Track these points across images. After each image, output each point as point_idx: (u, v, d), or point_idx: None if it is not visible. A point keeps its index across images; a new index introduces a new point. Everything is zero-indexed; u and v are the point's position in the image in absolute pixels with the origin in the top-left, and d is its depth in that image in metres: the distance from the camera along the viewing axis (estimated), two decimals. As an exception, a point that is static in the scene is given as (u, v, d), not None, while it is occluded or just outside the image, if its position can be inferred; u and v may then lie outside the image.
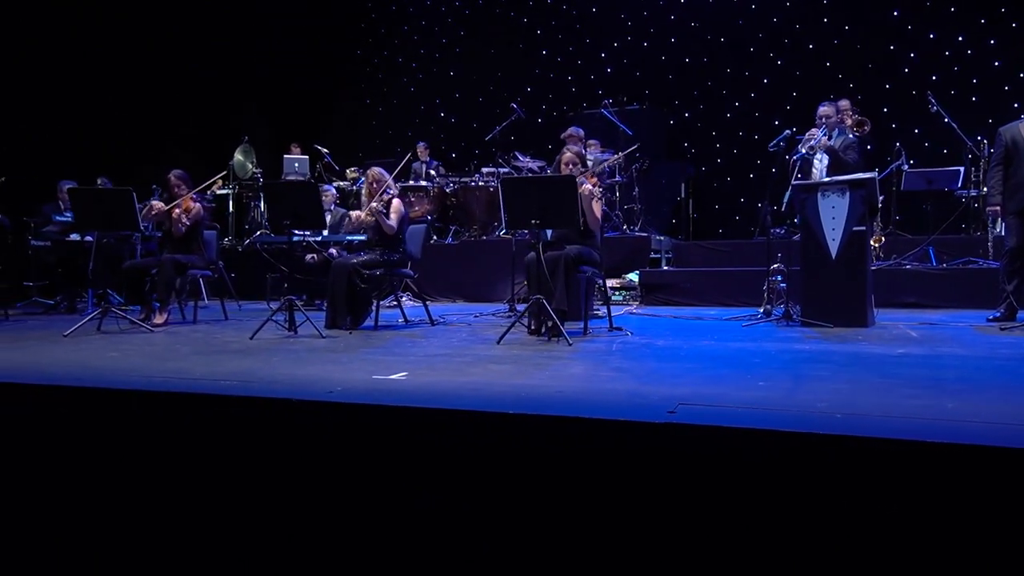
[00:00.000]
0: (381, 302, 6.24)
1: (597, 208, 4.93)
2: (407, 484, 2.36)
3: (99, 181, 8.63)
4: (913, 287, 6.90)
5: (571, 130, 6.70)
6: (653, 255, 8.83)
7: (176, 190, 5.95)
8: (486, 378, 3.08)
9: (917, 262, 7.24)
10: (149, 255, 6.93)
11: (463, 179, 9.21)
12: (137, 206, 5.19)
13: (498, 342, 4.34)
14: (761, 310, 5.87)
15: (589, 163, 6.65)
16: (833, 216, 5.23)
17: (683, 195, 10.37)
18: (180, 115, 10.59)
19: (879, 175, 7.86)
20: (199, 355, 3.92)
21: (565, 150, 5.18)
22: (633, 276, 7.95)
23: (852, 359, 3.58)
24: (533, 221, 4.42)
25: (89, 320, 5.12)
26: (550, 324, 4.56)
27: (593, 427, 2.21)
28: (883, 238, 7.43)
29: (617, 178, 9.32)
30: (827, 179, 5.45)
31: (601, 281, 5.16)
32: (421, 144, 9.97)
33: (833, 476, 2.05)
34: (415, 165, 9.87)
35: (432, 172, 9.43)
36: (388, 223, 5.34)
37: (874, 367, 3.32)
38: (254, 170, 9.71)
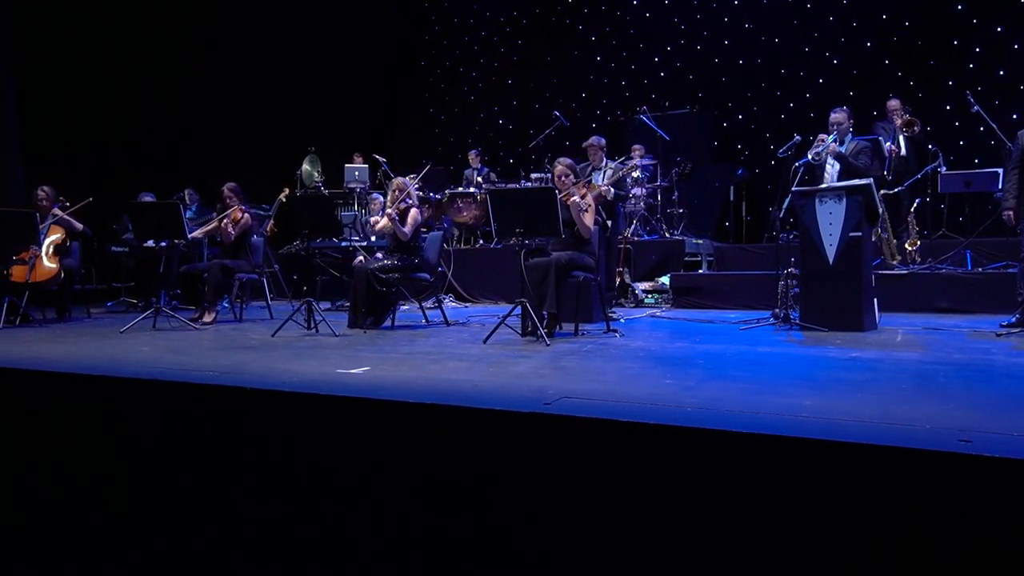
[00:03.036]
0: (423, 303, 6.72)
1: (588, 218, 5.20)
2: (323, 463, 2.77)
3: (186, 193, 9.55)
4: (946, 292, 6.78)
5: (592, 140, 6.94)
6: (692, 258, 8.95)
7: (228, 201, 6.62)
8: (433, 374, 3.44)
9: (954, 266, 7.09)
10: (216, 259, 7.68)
11: (510, 185, 9.59)
12: (184, 217, 5.84)
13: (484, 341, 4.70)
14: (771, 314, 5.97)
15: (609, 172, 6.91)
16: (830, 222, 5.30)
17: (733, 198, 10.36)
18: (257, 129, 11.47)
19: (911, 179, 7.79)
20: (215, 350, 4.48)
21: (558, 162, 5.49)
22: (665, 279, 8.11)
23: (790, 361, 3.74)
24: (518, 230, 4.76)
25: (143, 318, 5.82)
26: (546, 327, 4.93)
27: (470, 415, 2.55)
28: (918, 242, 7.30)
29: (659, 182, 9.48)
30: (824, 186, 5.51)
31: (594, 285, 5.41)
32: (473, 152, 10.43)
33: (671, 463, 2.31)
34: (467, 172, 10.34)
35: (479, 179, 9.86)
36: (402, 230, 5.79)
37: (798, 369, 3.48)
38: (316, 180, 10.44)
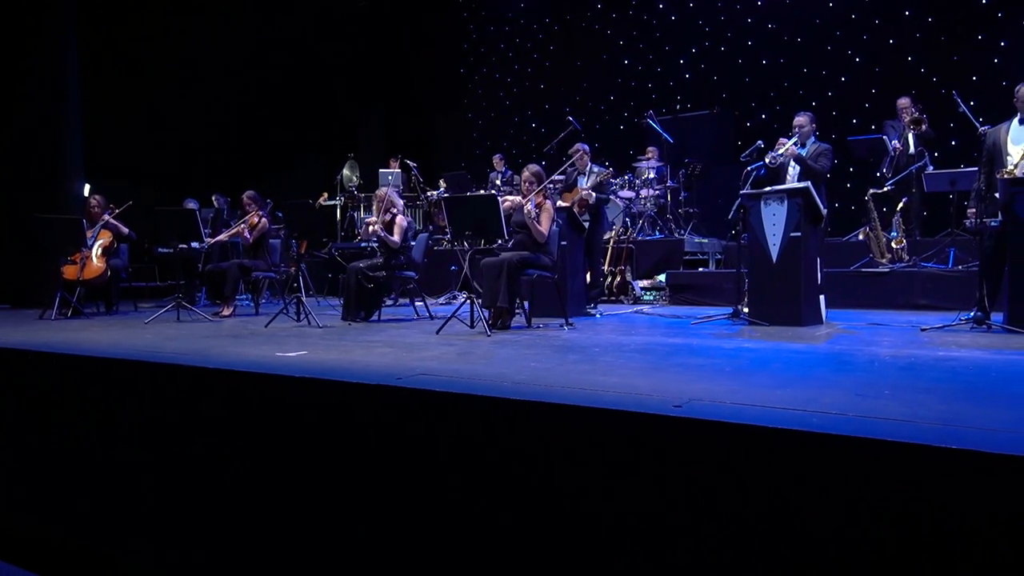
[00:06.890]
0: (437, 299, 7.36)
1: (544, 224, 5.68)
2: (235, 424, 3.40)
3: (214, 198, 10.46)
4: (926, 289, 6.90)
5: (577, 146, 7.35)
6: (701, 256, 9.24)
7: (247, 207, 7.43)
8: (357, 357, 4.01)
9: (939, 264, 7.16)
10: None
11: (528, 187, 10.09)
12: (201, 223, 6.65)
13: (437, 332, 5.25)
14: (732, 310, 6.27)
15: (593, 176, 7.33)
16: (774, 223, 5.59)
17: (751, 197, 10.50)
18: (305, 136, 12.41)
19: (894, 177, 7.84)
20: (204, 337, 5.19)
21: (526, 168, 5.97)
22: (663, 277, 8.44)
23: (674, 350, 4.12)
24: (467, 232, 5.29)
25: (165, 311, 6.67)
26: (500, 320, 5.46)
27: (331, 387, 3.12)
28: (904, 240, 7.39)
29: (669, 182, 9.78)
30: (768, 188, 5.78)
31: (552, 282, 5.87)
32: (497, 156, 11.00)
33: (485, 429, 2.80)
34: (491, 175, 10.91)
35: (498, 183, 10.40)
36: (392, 240, 6.39)
37: (665, 357, 3.87)
38: (351, 185, 11.26)
